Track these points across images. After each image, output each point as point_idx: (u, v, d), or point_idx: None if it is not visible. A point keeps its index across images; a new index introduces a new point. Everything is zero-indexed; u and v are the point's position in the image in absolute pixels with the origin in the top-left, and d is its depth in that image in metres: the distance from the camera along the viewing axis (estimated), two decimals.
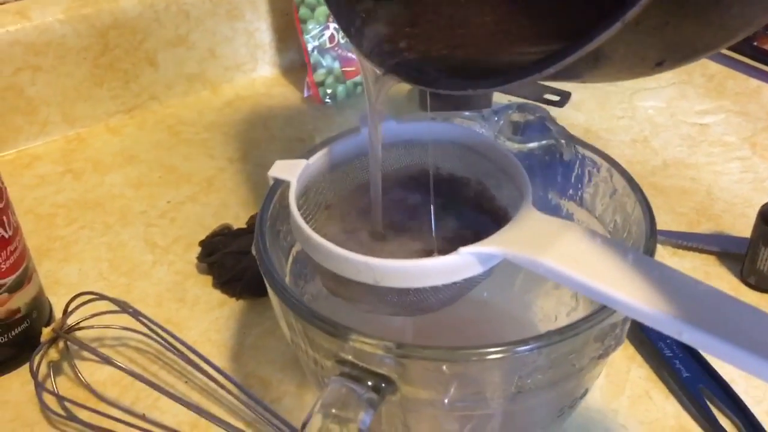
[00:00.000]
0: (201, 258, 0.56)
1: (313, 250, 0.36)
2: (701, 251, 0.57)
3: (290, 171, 0.40)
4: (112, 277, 0.56)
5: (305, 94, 0.77)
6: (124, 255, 0.58)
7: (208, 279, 0.56)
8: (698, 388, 0.46)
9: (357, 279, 0.35)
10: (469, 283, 0.36)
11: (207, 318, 0.53)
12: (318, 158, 0.42)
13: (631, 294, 0.31)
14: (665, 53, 0.31)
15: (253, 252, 0.37)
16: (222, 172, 0.67)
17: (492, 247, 0.34)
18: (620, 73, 0.33)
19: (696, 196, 0.63)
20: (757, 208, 0.54)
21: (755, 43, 0.83)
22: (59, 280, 0.56)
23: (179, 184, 0.66)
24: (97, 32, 0.69)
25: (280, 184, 0.41)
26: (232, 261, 0.55)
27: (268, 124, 0.74)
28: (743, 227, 0.58)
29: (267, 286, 0.36)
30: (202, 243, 0.57)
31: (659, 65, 0.32)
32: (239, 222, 0.60)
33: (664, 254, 0.57)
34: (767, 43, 0.85)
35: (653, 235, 0.36)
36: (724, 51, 0.83)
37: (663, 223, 0.60)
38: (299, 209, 0.40)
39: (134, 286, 0.55)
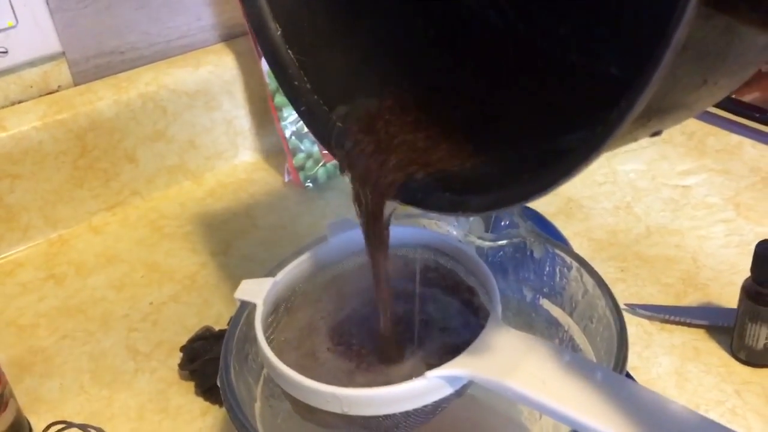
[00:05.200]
0: (183, 365, 0.56)
1: (281, 379, 0.36)
2: (689, 325, 0.56)
3: (257, 292, 0.40)
4: (93, 390, 0.55)
5: (286, 179, 0.77)
6: (106, 364, 0.58)
7: (191, 385, 0.55)
8: None
9: (326, 408, 0.35)
10: (440, 404, 0.35)
11: (190, 429, 0.52)
12: (286, 273, 0.42)
13: (599, 419, 0.30)
14: (661, 125, 0.31)
15: (218, 383, 0.37)
16: (204, 268, 0.67)
17: (458, 369, 0.34)
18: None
19: (681, 265, 0.62)
20: (743, 275, 0.53)
21: (733, 96, 0.84)
22: (40, 396, 0.55)
23: (161, 283, 0.66)
24: (74, 136, 0.70)
25: (247, 306, 0.40)
26: (214, 368, 0.53)
27: (250, 212, 0.74)
28: (731, 297, 0.58)
29: (231, 420, 0.35)
30: (183, 349, 0.56)
31: (654, 134, 0.31)
32: (221, 321, 0.60)
33: (652, 330, 0.56)
34: (745, 94, 0.85)
35: (623, 345, 0.36)
36: None
37: (649, 295, 0.60)
38: (268, 330, 0.39)
39: (115, 398, 0.55)
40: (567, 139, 0.28)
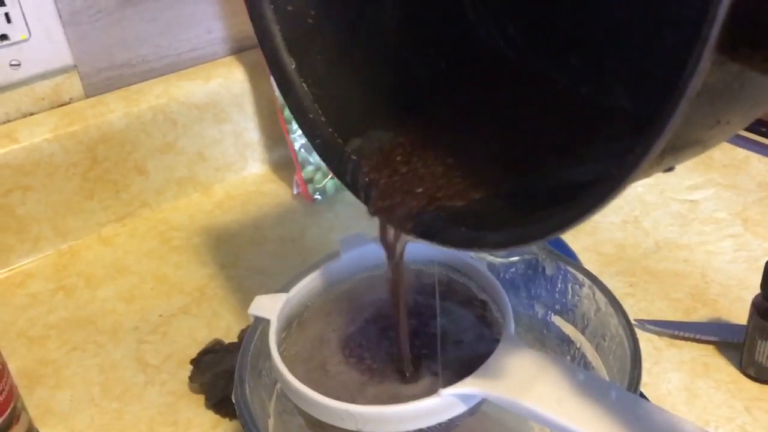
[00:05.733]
0: (192, 378, 0.56)
1: (295, 396, 0.36)
2: (699, 341, 0.56)
3: (270, 308, 0.40)
4: (103, 403, 0.56)
5: (295, 192, 0.77)
6: (116, 377, 0.58)
7: (201, 398, 0.55)
8: None
9: (340, 426, 0.35)
10: (454, 422, 0.35)
11: None
12: (299, 290, 0.42)
13: None
14: (675, 162, 0.31)
15: (233, 399, 0.37)
16: (213, 280, 0.67)
17: (473, 387, 0.34)
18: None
19: (690, 280, 0.62)
20: (752, 290, 0.53)
21: None
22: (51, 408, 0.55)
23: (171, 295, 0.66)
24: (85, 148, 0.70)
25: (261, 321, 0.40)
26: (224, 381, 0.54)
27: (259, 224, 0.74)
28: (740, 312, 0.58)
29: None
30: (193, 362, 0.56)
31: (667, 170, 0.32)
32: (231, 334, 0.60)
33: (662, 346, 0.56)
34: None
35: (637, 364, 0.36)
36: None
37: (658, 310, 0.60)
38: (281, 344, 0.40)
39: (126, 411, 0.55)
40: (577, 172, 0.28)
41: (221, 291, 0.66)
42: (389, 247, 0.35)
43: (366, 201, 0.35)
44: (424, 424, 0.34)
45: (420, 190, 0.34)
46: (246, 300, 0.65)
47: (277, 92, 0.75)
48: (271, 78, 0.75)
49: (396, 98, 0.40)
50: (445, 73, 0.40)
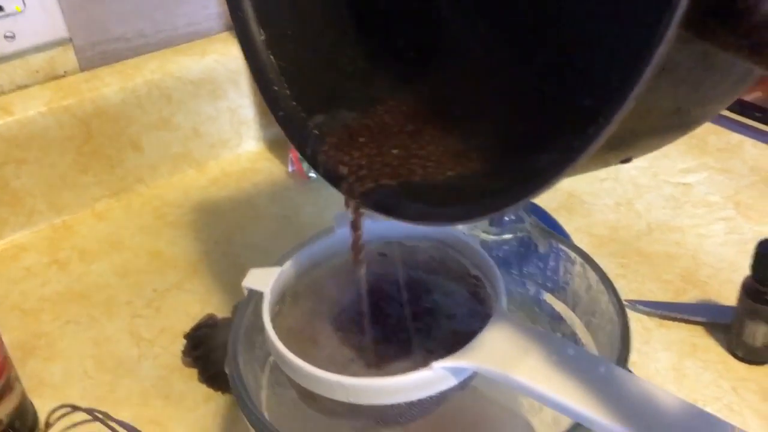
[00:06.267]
0: (186, 352, 0.56)
1: (287, 368, 0.36)
2: (688, 322, 0.57)
3: (264, 281, 0.40)
4: (97, 376, 0.56)
5: (289, 169, 0.77)
6: (110, 350, 0.58)
7: (194, 372, 0.56)
8: None
9: (331, 397, 0.35)
10: (445, 395, 0.36)
11: (193, 415, 0.52)
12: (293, 263, 0.42)
13: (603, 412, 0.31)
14: (632, 152, 0.32)
15: (226, 370, 0.37)
16: (207, 256, 0.67)
17: (464, 361, 0.34)
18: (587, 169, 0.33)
19: (681, 262, 0.63)
20: (742, 273, 0.54)
21: None
22: (44, 380, 0.56)
23: (165, 270, 0.66)
24: (79, 122, 0.70)
25: (254, 294, 0.41)
26: (217, 355, 0.54)
27: (253, 201, 0.75)
28: (729, 294, 0.58)
29: (240, 411, 0.36)
30: (186, 336, 0.57)
31: (624, 161, 0.32)
32: (224, 309, 0.60)
33: (651, 326, 0.57)
34: (747, 93, 0.86)
35: (626, 339, 0.36)
36: None
37: (649, 291, 0.60)
38: (274, 317, 0.40)
39: (119, 384, 0.55)
40: (538, 159, 0.28)
41: (215, 267, 0.66)
42: (352, 219, 0.36)
43: (325, 175, 0.36)
44: (415, 397, 0.35)
45: (380, 166, 0.34)
46: (240, 276, 0.64)
47: None
48: None
49: (362, 79, 0.40)
50: (413, 62, 0.41)
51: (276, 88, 0.38)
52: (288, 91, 0.38)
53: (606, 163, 0.32)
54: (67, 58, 0.71)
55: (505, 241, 0.45)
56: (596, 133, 0.23)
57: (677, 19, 0.20)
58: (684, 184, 0.72)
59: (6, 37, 0.66)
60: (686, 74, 0.25)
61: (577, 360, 0.33)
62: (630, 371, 0.33)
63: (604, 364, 0.33)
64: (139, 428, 0.46)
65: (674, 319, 0.57)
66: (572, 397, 0.31)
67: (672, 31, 0.20)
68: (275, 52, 0.38)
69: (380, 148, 0.35)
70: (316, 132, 0.36)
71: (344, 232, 0.43)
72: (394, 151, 0.35)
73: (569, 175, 0.25)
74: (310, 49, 0.40)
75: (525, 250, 0.44)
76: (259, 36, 0.38)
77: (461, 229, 0.46)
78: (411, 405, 0.35)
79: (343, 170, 0.34)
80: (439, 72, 0.40)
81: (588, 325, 0.41)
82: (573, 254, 0.42)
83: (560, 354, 0.33)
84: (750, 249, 0.52)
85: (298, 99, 0.38)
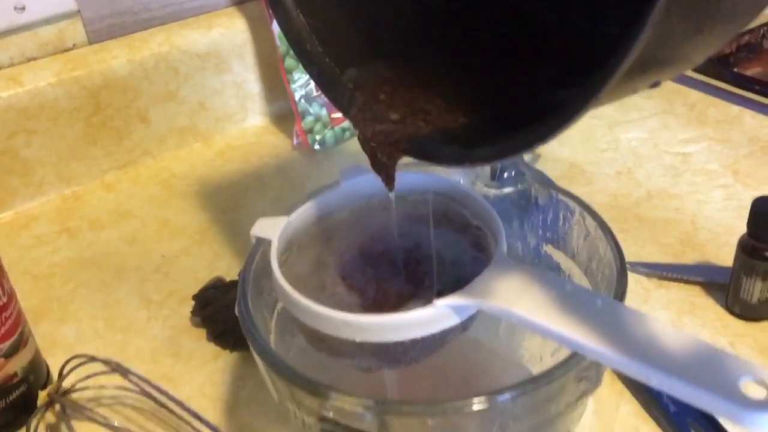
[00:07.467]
0: (195, 312, 0.57)
1: (295, 308, 0.37)
2: (686, 282, 0.58)
3: (272, 229, 0.41)
4: (108, 335, 0.57)
5: (295, 142, 0.78)
6: (120, 312, 0.60)
7: (202, 332, 0.57)
8: (687, 422, 0.47)
9: (337, 335, 0.36)
10: (447, 334, 0.37)
11: (202, 372, 0.54)
12: (299, 214, 0.43)
13: (599, 341, 0.32)
14: (660, 76, 0.32)
15: (236, 312, 0.38)
16: (214, 224, 0.69)
17: (466, 298, 0.35)
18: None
19: (680, 226, 0.64)
20: (739, 236, 0.55)
21: (735, 70, 0.85)
22: (56, 340, 0.57)
23: (173, 238, 0.67)
24: (88, 93, 0.71)
25: (263, 242, 0.42)
26: (225, 314, 0.56)
27: (259, 173, 0.76)
28: (727, 256, 0.59)
29: (250, 346, 0.37)
30: (195, 297, 0.58)
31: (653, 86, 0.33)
32: (232, 273, 0.61)
33: (650, 286, 0.58)
34: (747, 69, 0.87)
35: (623, 278, 0.37)
36: (705, 78, 0.84)
37: (648, 254, 0.61)
38: (282, 266, 0.41)
39: (130, 343, 0.56)
40: (565, 94, 0.29)
41: (222, 234, 0.67)
42: (386, 168, 0.37)
43: (361, 128, 0.37)
44: (418, 334, 0.36)
45: (413, 114, 0.36)
46: (246, 242, 0.66)
47: (279, 42, 0.76)
48: (273, 27, 0.76)
49: (390, 31, 0.41)
50: (438, 10, 0.42)
51: (309, 46, 0.39)
52: (320, 49, 0.39)
53: (635, 90, 0.32)
54: (76, 30, 0.72)
55: (506, 195, 0.46)
56: (623, 54, 0.23)
57: None
58: (684, 153, 0.73)
59: (16, 8, 0.67)
60: None
61: (576, 295, 0.34)
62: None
63: (601, 298, 0.34)
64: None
65: (673, 280, 0.58)
66: (570, 328, 0.32)
67: None
68: (304, 11, 0.39)
69: (410, 94, 0.36)
70: (350, 86, 0.38)
71: (350, 185, 0.45)
72: (427, 100, 0.36)
73: (601, 100, 0.26)
74: (338, 6, 0.41)
75: (525, 202, 0.45)
76: None
77: (464, 183, 0.47)
78: (414, 343, 0.36)
79: (381, 121, 0.35)
80: (467, 15, 0.41)
81: (587, 272, 0.42)
82: (572, 203, 0.43)
83: (558, 289, 0.34)
84: (748, 213, 0.53)
85: (330, 55, 0.39)
